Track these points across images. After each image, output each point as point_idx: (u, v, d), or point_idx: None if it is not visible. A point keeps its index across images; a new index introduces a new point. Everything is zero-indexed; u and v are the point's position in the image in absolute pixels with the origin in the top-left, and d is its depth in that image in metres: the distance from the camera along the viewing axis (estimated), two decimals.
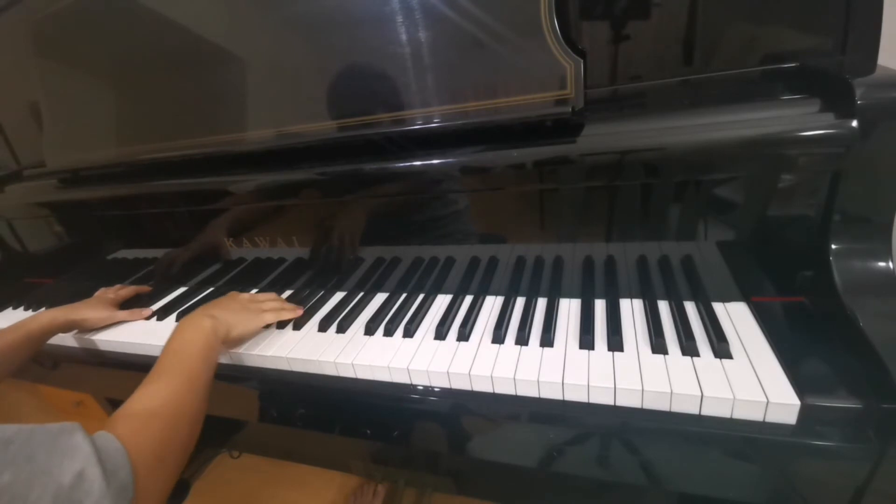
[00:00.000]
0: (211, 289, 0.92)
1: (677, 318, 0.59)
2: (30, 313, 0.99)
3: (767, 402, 0.46)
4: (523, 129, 0.60)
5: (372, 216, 0.73)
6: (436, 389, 0.59)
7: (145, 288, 0.95)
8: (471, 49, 0.58)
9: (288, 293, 0.84)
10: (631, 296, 0.65)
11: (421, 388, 0.60)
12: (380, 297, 0.77)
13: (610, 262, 0.65)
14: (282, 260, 0.84)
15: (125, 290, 0.91)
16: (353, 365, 0.63)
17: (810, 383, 0.46)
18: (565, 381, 0.53)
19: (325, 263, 0.81)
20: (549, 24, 0.54)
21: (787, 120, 0.50)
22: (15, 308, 1.03)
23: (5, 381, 0.71)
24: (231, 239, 0.84)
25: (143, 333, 0.80)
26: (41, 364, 0.90)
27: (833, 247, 0.52)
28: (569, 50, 0.54)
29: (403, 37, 0.59)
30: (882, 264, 0.51)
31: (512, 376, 0.55)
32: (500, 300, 0.70)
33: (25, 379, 0.99)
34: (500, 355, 0.58)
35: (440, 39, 0.59)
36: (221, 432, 1.44)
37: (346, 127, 0.66)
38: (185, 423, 0.51)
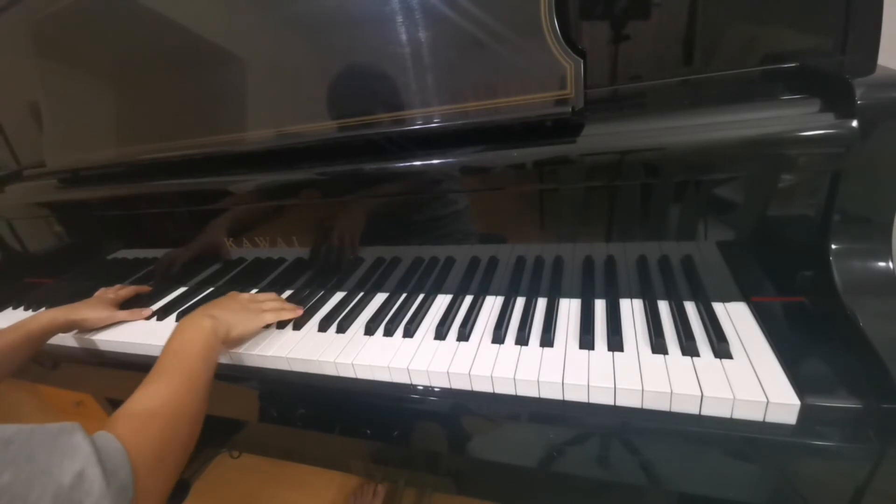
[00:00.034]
0: (211, 289, 0.92)
1: (677, 318, 0.59)
2: (30, 313, 0.99)
3: (767, 402, 0.46)
4: (523, 129, 0.60)
5: (372, 216, 0.73)
6: (436, 389, 0.59)
7: (145, 288, 0.95)
8: (471, 49, 0.58)
9: (288, 293, 0.84)
10: (631, 296, 0.65)
11: (421, 388, 0.60)
12: (380, 297, 0.77)
13: (610, 262, 0.65)
14: (282, 260, 0.84)
15: (125, 291, 0.91)
16: (353, 365, 0.63)
17: (810, 383, 0.46)
18: (565, 381, 0.53)
19: (325, 263, 0.81)
20: (549, 24, 0.54)
21: (787, 120, 0.50)
22: (15, 308, 1.03)
23: (5, 381, 0.71)
24: (231, 239, 0.84)
25: (143, 333, 0.80)
26: (41, 364, 0.90)
27: (833, 247, 0.52)
28: (569, 50, 0.54)
29: (403, 37, 0.59)
30: (882, 264, 0.51)
31: (512, 376, 0.55)
32: (500, 300, 0.70)
33: (25, 379, 0.99)
34: (500, 355, 0.58)
35: (440, 39, 0.59)
36: (221, 432, 1.44)
37: (346, 127, 0.66)
38: (185, 422, 0.51)
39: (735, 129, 0.51)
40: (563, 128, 0.57)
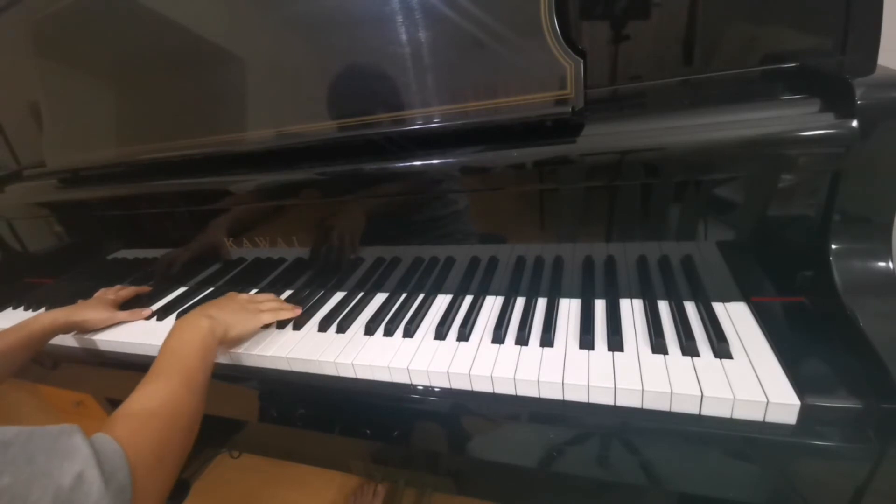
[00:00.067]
0: (211, 289, 0.92)
1: (677, 318, 0.59)
2: (30, 313, 0.99)
3: (767, 402, 0.46)
4: (523, 129, 0.60)
5: (372, 216, 0.73)
6: (436, 389, 0.59)
7: (145, 288, 0.95)
8: (471, 49, 0.58)
9: (288, 293, 0.85)
10: (631, 296, 0.65)
11: (421, 388, 0.60)
12: (380, 297, 0.77)
13: (610, 262, 0.65)
14: (282, 260, 0.84)
15: (125, 291, 0.91)
16: (353, 365, 0.63)
17: (810, 383, 0.46)
18: (565, 381, 0.53)
19: (325, 263, 0.81)
20: (549, 24, 0.54)
21: (787, 120, 0.50)
22: (15, 308, 1.03)
23: (6, 381, 0.71)
24: (231, 239, 0.84)
25: (142, 333, 0.80)
26: (41, 364, 0.90)
27: (833, 247, 0.52)
28: (569, 50, 0.54)
29: (403, 37, 0.59)
30: (882, 264, 0.51)
31: (512, 376, 0.55)
32: (500, 300, 0.70)
33: (26, 379, 0.99)
34: (500, 355, 0.58)
35: (440, 39, 0.59)
36: (221, 432, 1.44)
37: (346, 127, 0.66)
38: (183, 423, 0.51)
39: (735, 129, 0.51)
40: (563, 128, 0.57)
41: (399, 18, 0.59)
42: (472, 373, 0.56)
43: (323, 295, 0.81)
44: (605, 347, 0.57)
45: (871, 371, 0.45)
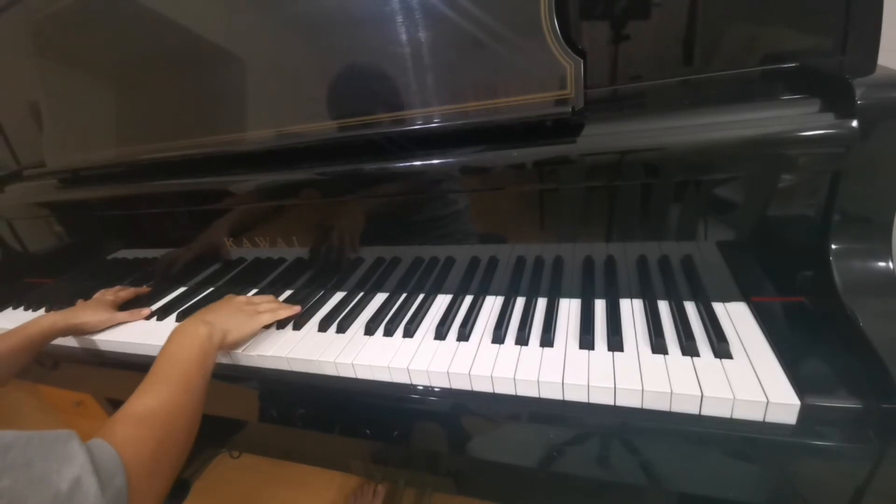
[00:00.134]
0: (211, 289, 0.92)
1: (677, 318, 0.59)
2: (30, 313, 0.99)
3: (767, 402, 0.46)
4: (523, 129, 0.60)
5: (372, 216, 0.73)
6: (436, 389, 0.59)
7: (145, 289, 0.95)
8: (471, 49, 0.58)
9: (288, 293, 0.85)
10: (631, 296, 0.65)
11: (421, 388, 0.60)
12: (380, 297, 0.77)
13: (610, 262, 0.65)
14: (282, 260, 0.84)
15: (125, 292, 0.91)
16: (353, 365, 0.63)
17: (810, 383, 0.46)
18: (565, 381, 0.53)
19: (325, 263, 0.81)
20: (549, 24, 0.54)
21: (787, 120, 0.50)
22: (15, 308, 1.03)
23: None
24: (231, 239, 0.84)
25: (142, 333, 0.80)
26: (41, 364, 0.90)
27: (833, 247, 0.52)
28: (569, 50, 0.54)
29: (403, 37, 0.59)
30: (882, 264, 0.51)
31: (512, 376, 0.55)
32: (500, 300, 0.70)
33: (26, 379, 0.99)
34: (500, 355, 0.58)
35: (440, 39, 0.59)
36: (221, 432, 1.44)
37: (346, 127, 0.66)
38: (179, 429, 0.51)
39: (735, 129, 0.51)
40: (563, 128, 0.57)
41: (399, 18, 0.59)
42: (472, 373, 0.56)
43: (323, 295, 0.81)
44: (605, 347, 0.57)
45: (871, 371, 0.45)
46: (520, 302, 0.69)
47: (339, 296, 0.80)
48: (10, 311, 1.02)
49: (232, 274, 0.90)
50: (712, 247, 0.59)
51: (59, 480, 0.35)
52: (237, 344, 0.68)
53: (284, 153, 0.71)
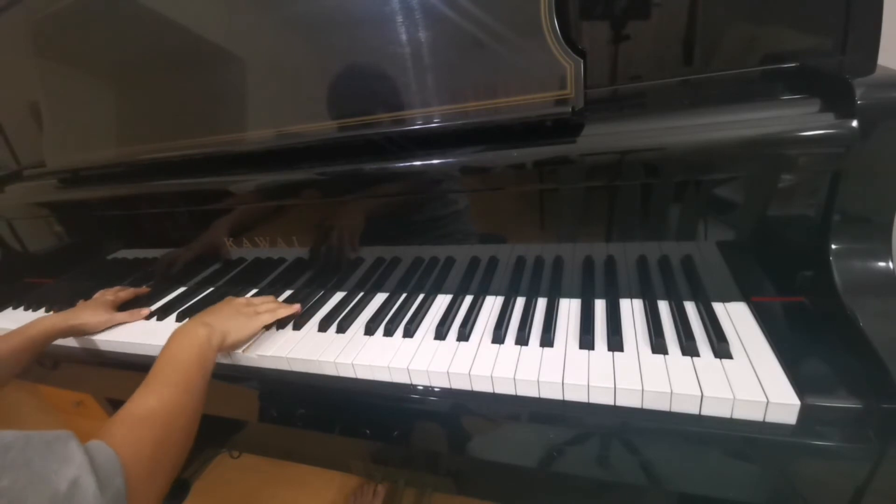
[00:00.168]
0: (211, 289, 0.92)
1: (677, 318, 0.59)
2: (30, 313, 0.99)
3: (767, 402, 0.46)
4: (523, 129, 0.60)
5: (372, 216, 0.73)
6: (436, 389, 0.59)
7: (145, 290, 0.95)
8: (471, 49, 0.58)
9: (288, 293, 0.85)
10: (631, 296, 0.65)
11: (421, 388, 0.60)
12: (380, 297, 0.77)
13: (610, 262, 0.65)
14: (282, 260, 0.84)
15: (125, 293, 0.91)
16: (353, 365, 0.63)
17: (810, 383, 0.46)
18: (565, 381, 0.53)
19: (325, 263, 0.81)
20: (549, 24, 0.54)
21: (787, 120, 0.50)
22: (15, 308, 1.03)
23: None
24: (231, 239, 0.84)
25: (142, 333, 0.80)
26: (41, 364, 0.90)
27: (833, 247, 0.52)
28: (569, 50, 0.54)
29: (403, 37, 0.59)
30: (882, 264, 0.51)
31: (512, 376, 0.55)
32: (500, 300, 0.70)
33: (26, 379, 0.99)
34: (500, 355, 0.58)
35: (440, 39, 0.59)
36: (221, 432, 1.44)
37: (346, 127, 0.66)
38: (178, 431, 0.51)
39: (735, 129, 0.51)
40: (563, 128, 0.57)
41: (399, 18, 0.59)
42: (472, 373, 0.56)
43: (323, 295, 0.81)
44: (605, 347, 0.57)
45: (871, 371, 0.45)
46: (520, 302, 0.69)
47: (339, 296, 0.80)
48: (10, 311, 1.02)
49: (232, 274, 0.90)
50: (712, 247, 0.59)
51: (58, 480, 0.35)
52: (236, 345, 0.68)
53: (284, 153, 0.71)
